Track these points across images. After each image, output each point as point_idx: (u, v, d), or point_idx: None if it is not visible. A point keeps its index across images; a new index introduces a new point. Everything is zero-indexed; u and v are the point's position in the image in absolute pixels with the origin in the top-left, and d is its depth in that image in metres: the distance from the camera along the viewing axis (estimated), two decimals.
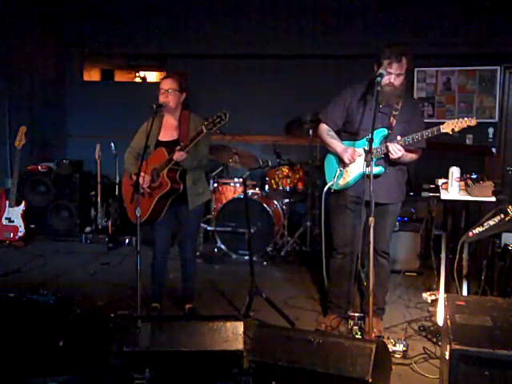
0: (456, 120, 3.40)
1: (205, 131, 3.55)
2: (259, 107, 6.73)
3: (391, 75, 3.46)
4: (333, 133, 3.75)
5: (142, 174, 3.67)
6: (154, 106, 3.71)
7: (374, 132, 3.26)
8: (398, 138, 3.47)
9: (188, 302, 4.14)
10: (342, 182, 3.70)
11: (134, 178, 3.67)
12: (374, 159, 3.31)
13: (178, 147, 3.65)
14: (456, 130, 3.39)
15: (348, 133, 3.73)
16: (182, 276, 4.13)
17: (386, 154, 3.55)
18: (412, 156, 3.62)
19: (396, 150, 3.45)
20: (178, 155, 3.64)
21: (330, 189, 3.73)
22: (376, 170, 3.47)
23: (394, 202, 3.73)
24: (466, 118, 3.39)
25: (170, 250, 4.10)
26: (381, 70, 3.44)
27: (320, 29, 6.48)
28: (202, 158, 3.86)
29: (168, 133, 3.87)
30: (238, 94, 6.73)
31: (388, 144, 3.47)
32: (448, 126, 3.40)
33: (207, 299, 4.42)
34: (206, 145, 3.85)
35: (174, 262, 4.23)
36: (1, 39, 6.26)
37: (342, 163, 3.68)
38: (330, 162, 3.81)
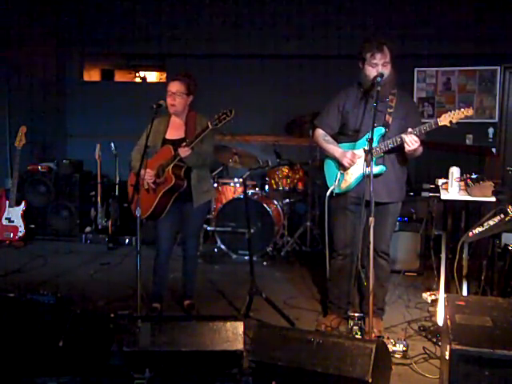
0: (452, 112, 3.40)
1: (210, 127, 3.63)
2: (259, 107, 6.73)
3: (378, 66, 3.48)
4: (329, 137, 3.75)
5: (148, 170, 3.74)
6: (154, 106, 3.71)
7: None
8: (410, 130, 3.43)
9: (187, 298, 4.17)
10: (343, 185, 3.69)
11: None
12: (374, 159, 3.30)
13: (184, 143, 3.72)
14: (454, 121, 3.39)
15: (344, 135, 3.72)
16: (182, 273, 4.17)
17: (386, 152, 3.56)
18: (419, 149, 3.59)
19: (413, 141, 3.40)
20: (183, 151, 3.69)
21: (331, 192, 3.72)
22: (377, 169, 3.47)
23: (395, 201, 3.72)
24: (462, 109, 3.40)
25: (172, 249, 4.11)
26: (381, 69, 3.46)
27: (320, 29, 6.48)
28: (207, 156, 3.90)
29: (175, 132, 3.93)
30: (238, 93, 6.73)
31: (403, 136, 3.42)
32: (445, 119, 3.40)
33: (207, 299, 4.42)
34: (210, 144, 3.91)
35: (175, 262, 4.23)
36: (1, 39, 6.26)
37: (342, 166, 3.68)
38: (329, 166, 3.79)
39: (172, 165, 3.74)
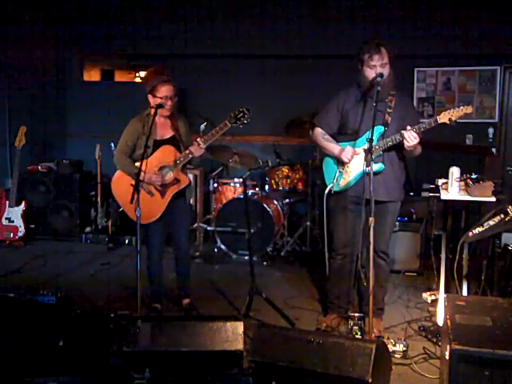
0: (452, 109, 3.41)
1: (228, 125, 3.65)
2: (259, 107, 6.68)
3: (376, 67, 3.49)
4: (328, 136, 3.75)
5: (154, 173, 3.74)
6: (155, 107, 3.71)
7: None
8: (408, 127, 3.46)
9: (185, 297, 4.17)
10: (342, 183, 3.69)
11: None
12: (374, 157, 3.31)
13: (196, 142, 3.70)
14: (453, 118, 3.39)
15: (344, 135, 3.73)
16: (177, 274, 4.17)
17: (386, 150, 3.56)
18: (418, 148, 3.61)
19: (412, 138, 3.42)
20: (197, 149, 3.70)
21: (330, 190, 3.73)
22: (376, 167, 3.47)
23: (394, 200, 3.72)
24: (461, 107, 3.41)
25: (164, 247, 4.12)
26: (379, 70, 3.48)
27: (320, 29, 6.48)
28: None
29: (163, 132, 3.89)
30: (238, 94, 6.72)
31: (403, 132, 3.45)
32: (445, 116, 3.41)
33: (207, 299, 4.42)
34: None
35: (173, 262, 4.22)
36: (1, 39, 6.26)
37: (341, 164, 3.68)
38: (328, 164, 3.80)
39: (181, 165, 3.76)
